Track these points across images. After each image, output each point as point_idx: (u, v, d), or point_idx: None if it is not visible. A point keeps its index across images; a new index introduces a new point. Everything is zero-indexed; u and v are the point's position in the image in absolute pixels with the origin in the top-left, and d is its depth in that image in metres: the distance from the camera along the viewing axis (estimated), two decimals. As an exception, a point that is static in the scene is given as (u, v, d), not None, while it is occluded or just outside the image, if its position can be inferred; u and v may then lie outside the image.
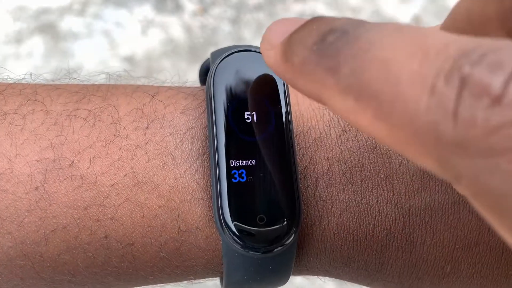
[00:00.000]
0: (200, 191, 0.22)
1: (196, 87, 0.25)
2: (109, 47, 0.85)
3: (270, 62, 0.17)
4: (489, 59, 0.12)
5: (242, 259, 0.22)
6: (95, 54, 0.85)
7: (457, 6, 0.18)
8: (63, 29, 0.86)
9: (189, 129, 0.23)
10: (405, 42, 0.13)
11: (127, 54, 0.87)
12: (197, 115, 0.23)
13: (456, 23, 0.18)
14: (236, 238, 0.21)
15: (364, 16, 0.91)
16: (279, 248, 0.21)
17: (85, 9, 0.86)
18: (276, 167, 0.22)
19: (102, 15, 0.87)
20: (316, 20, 0.16)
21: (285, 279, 0.23)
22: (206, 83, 0.23)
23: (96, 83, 0.25)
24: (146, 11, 0.92)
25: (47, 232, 0.21)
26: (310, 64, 0.15)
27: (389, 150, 0.23)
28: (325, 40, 0.15)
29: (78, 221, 0.21)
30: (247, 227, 0.21)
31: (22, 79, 0.24)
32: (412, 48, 0.13)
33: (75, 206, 0.21)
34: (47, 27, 0.85)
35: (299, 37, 0.16)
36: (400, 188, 0.22)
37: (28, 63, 0.82)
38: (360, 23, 0.14)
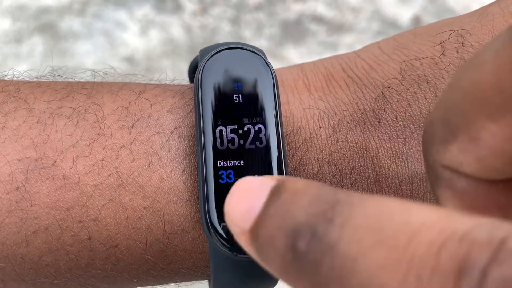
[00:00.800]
0: (187, 192, 0.21)
1: (184, 85, 0.24)
2: (109, 47, 0.85)
3: (241, 243, 0.15)
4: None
5: (230, 263, 0.21)
6: (95, 54, 0.84)
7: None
8: (62, 29, 0.85)
9: (176, 128, 0.22)
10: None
11: (126, 54, 0.87)
12: (185, 114, 0.22)
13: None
14: (223, 241, 0.20)
15: (364, 16, 0.91)
16: None
17: (85, 8, 0.86)
18: (265, 168, 0.21)
19: (102, 15, 0.86)
20: (275, 200, 0.13)
21: (274, 282, 0.23)
22: (194, 81, 0.22)
23: (82, 80, 0.24)
24: (146, 11, 0.91)
25: (28, 233, 0.21)
26: (289, 274, 0.13)
27: (378, 153, 0.22)
28: (296, 247, 0.12)
29: (60, 222, 0.21)
30: None
31: (5, 75, 0.24)
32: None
33: (57, 206, 0.21)
34: (47, 27, 0.85)
35: (267, 235, 0.13)
36: (389, 193, 0.22)
37: (27, 62, 0.82)
38: (327, 217, 0.12)
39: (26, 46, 0.84)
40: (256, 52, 0.22)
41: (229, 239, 0.20)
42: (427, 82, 0.22)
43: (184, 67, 0.84)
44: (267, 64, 0.22)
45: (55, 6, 0.86)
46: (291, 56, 0.87)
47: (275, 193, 0.14)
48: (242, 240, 0.14)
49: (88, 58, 0.84)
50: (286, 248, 0.13)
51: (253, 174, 0.21)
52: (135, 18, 0.88)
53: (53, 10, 0.86)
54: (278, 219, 0.13)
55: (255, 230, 0.14)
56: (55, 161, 0.21)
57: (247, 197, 0.14)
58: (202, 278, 0.23)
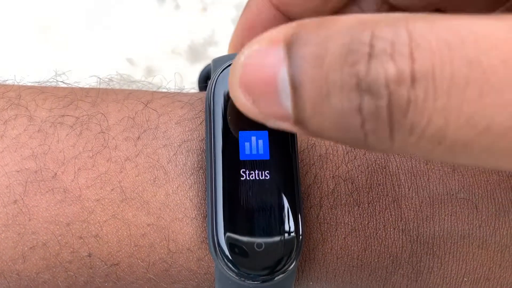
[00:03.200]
0: (193, 210, 0.20)
1: (193, 94, 0.23)
2: (109, 47, 0.84)
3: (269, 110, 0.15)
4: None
5: (237, 287, 0.20)
6: (94, 54, 0.83)
7: None
8: (62, 28, 0.84)
9: (184, 141, 0.21)
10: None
11: (126, 54, 0.85)
12: (194, 126, 0.21)
13: None
14: (230, 264, 0.19)
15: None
16: (280, 276, 0.19)
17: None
18: (278, 185, 0.20)
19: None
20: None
21: None
22: (206, 94, 0.21)
23: (86, 86, 0.23)
24: (146, 10, 0.90)
25: (26, 249, 0.20)
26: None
27: (398, 171, 0.21)
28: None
29: (59, 237, 0.20)
30: (243, 254, 0.19)
31: (6, 80, 0.22)
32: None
33: (56, 221, 0.20)
34: (46, 27, 0.84)
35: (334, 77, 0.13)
36: (409, 214, 0.21)
37: (26, 63, 0.80)
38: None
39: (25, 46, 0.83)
40: None
41: (237, 261, 0.19)
42: None
43: (184, 67, 0.83)
44: None
45: (55, 6, 0.85)
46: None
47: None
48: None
49: (87, 57, 0.83)
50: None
51: (265, 195, 0.20)
52: (135, 17, 0.87)
53: (52, 10, 0.85)
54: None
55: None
56: (56, 173, 0.20)
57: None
58: (206, 298, 0.22)
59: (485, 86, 0.12)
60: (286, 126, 0.15)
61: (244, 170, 0.20)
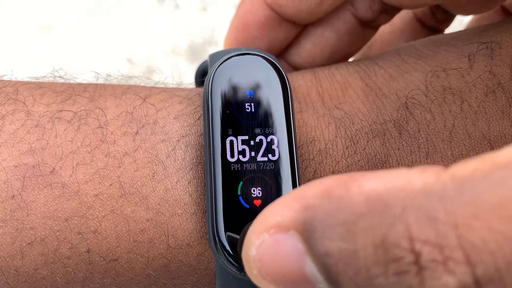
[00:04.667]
0: (193, 205, 0.20)
1: (191, 89, 0.23)
2: (108, 47, 0.84)
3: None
4: None
5: (238, 282, 0.20)
6: (94, 54, 0.83)
7: None
8: (62, 28, 0.84)
9: (183, 136, 0.21)
10: None
11: (126, 54, 0.85)
12: (192, 121, 0.21)
13: None
14: (230, 259, 0.19)
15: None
16: None
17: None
18: (278, 183, 0.20)
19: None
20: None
21: None
22: (204, 88, 0.21)
23: (84, 82, 0.23)
24: (146, 10, 0.90)
25: (24, 244, 0.19)
26: None
27: (399, 165, 0.21)
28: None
29: (57, 233, 0.19)
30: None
31: (3, 75, 0.22)
32: None
33: (55, 217, 0.19)
34: (46, 27, 0.84)
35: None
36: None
37: (25, 63, 0.80)
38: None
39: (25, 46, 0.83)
40: (269, 58, 0.21)
41: (237, 256, 0.19)
42: (453, 95, 0.21)
43: (184, 67, 0.83)
44: (281, 71, 0.21)
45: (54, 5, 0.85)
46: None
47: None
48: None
49: (87, 57, 0.83)
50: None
51: (265, 189, 0.20)
52: (135, 17, 0.87)
53: (51, 9, 0.85)
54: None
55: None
56: (54, 168, 0.20)
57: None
58: (205, 294, 0.22)
59: None
60: None
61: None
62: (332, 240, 0.12)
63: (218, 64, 0.21)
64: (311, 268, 0.13)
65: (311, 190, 0.13)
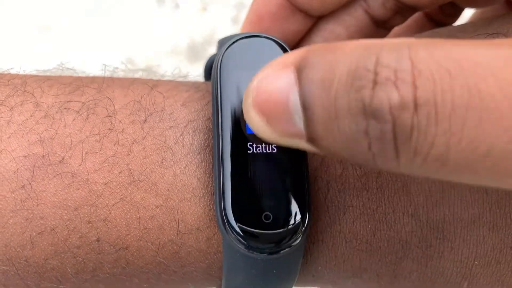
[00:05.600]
0: (201, 188, 0.20)
1: (197, 81, 0.23)
2: (108, 47, 0.84)
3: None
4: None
5: (244, 261, 0.20)
6: (94, 53, 0.83)
7: None
8: (62, 28, 0.84)
9: (190, 121, 0.21)
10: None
11: (126, 53, 0.85)
12: (200, 107, 0.21)
13: None
14: (240, 238, 0.19)
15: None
16: (286, 249, 0.19)
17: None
18: (284, 169, 0.20)
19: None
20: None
21: (291, 283, 0.22)
22: (212, 71, 0.21)
23: (91, 74, 0.23)
24: (146, 10, 0.90)
25: (34, 234, 0.20)
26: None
27: None
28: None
29: (67, 222, 0.20)
30: (251, 226, 0.19)
31: (11, 68, 0.22)
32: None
33: (64, 206, 0.20)
34: (46, 27, 0.84)
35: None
36: (418, 199, 0.21)
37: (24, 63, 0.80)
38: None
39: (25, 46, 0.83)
40: (278, 41, 0.21)
41: (246, 235, 0.19)
42: None
43: (184, 67, 0.83)
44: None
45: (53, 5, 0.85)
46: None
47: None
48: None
49: (87, 57, 0.83)
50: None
51: (273, 170, 0.20)
52: (134, 17, 0.87)
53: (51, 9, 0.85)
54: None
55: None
56: (63, 158, 0.20)
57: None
58: (215, 283, 0.22)
59: (484, 112, 0.13)
60: (300, 144, 0.16)
61: (251, 143, 0.20)
62: (318, 71, 0.15)
63: (227, 47, 0.21)
64: (294, 97, 0.15)
65: (319, 44, 0.16)
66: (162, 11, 0.91)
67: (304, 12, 0.25)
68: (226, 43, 0.21)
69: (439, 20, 0.29)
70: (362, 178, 0.21)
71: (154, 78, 0.24)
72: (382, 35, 0.27)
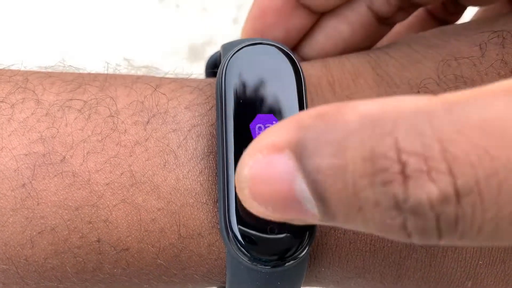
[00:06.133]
0: (204, 194, 0.20)
1: (202, 80, 0.23)
2: (108, 47, 0.84)
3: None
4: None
5: (248, 273, 0.20)
6: (94, 54, 0.83)
7: None
8: (61, 28, 0.84)
9: (194, 126, 0.21)
10: None
11: (126, 54, 0.85)
12: (204, 111, 0.21)
13: None
14: (243, 249, 0.19)
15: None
16: (291, 262, 0.19)
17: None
18: None
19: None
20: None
21: None
22: (217, 79, 0.21)
23: (93, 71, 0.23)
24: (146, 10, 0.90)
25: (34, 233, 0.19)
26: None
27: None
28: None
29: (68, 222, 0.19)
30: (256, 238, 0.19)
31: (12, 65, 0.22)
32: None
33: (65, 206, 0.19)
34: (45, 26, 0.84)
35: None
36: None
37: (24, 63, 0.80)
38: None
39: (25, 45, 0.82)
40: (283, 48, 0.21)
41: (249, 246, 0.19)
42: (465, 84, 0.21)
43: (184, 67, 0.83)
44: (295, 61, 0.21)
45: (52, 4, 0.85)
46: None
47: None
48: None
49: (87, 57, 0.83)
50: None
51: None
52: (135, 17, 0.87)
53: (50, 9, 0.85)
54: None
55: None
56: (64, 157, 0.20)
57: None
58: (215, 285, 0.22)
59: None
60: (315, 222, 0.14)
61: None
62: (322, 156, 0.13)
63: (231, 54, 0.21)
64: (301, 186, 0.13)
65: (307, 113, 0.14)
66: (163, 11, 0.91)
67: (308, 8, 0.25)
68: (230, 50, 0.21)
69: (441, 17, 0.29)
70: None
71: (157, 71, 0.24)
72: (384, 32, 0.26)
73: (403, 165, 0.12)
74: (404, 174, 0.12)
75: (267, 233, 0.19)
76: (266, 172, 0.14)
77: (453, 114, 0.12)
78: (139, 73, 0.24)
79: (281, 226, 0.19)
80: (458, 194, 0.12)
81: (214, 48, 0.82)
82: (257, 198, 0.14)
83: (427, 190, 0.12)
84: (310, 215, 0.14)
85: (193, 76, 0.24)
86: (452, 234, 0.12)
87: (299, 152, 0.13)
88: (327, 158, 0.13)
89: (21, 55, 0.23)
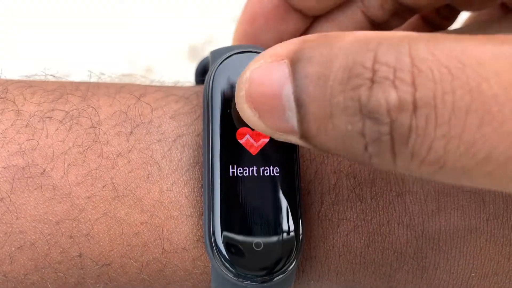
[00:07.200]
0: (189, 207, 0.19)
1: (188, 87, 0.22)
2: (108, 47, 0.83)
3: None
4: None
5: None
6: (94, 54, 0.82)
7: None
8: (61, 28, 0.83)
9: (180, 136, 0.20)
10: None
11: (126, 54, 0.85)
12: (189, 121, 0.20)
13: None
14: (227, 264, 0.18)
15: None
16: (278, 277, 0.18)
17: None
18: (275, 183, 0.19)
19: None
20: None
21: None
22: (204, 87, 0.20)
23: (76, 81, 0.22)
24: (146, 10, 0.90)
25: (13, 249, 0.19)
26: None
27: None
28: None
29: (48, 237, 0.19)
30: (241, 253, 0.18)
31: (-8, 74, 0.22)
32: None
33: (45, 220, 0.19)
34: (45, 27, 0.83)
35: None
36: (413, 209, 0.20)
37: (23, 63, 0.80)
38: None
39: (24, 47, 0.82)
40: None
41: (234, 261, 0.18)
42: None
43: (184, 67, 0.83)
44: None
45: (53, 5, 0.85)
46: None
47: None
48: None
49: (87, 59, 0.82)
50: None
51: (264, 193, 0.19)
52: (135, 17, 0.87)
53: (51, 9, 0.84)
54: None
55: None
56: (45, 170, 0.19)
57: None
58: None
59: (486, 115, 0.12)
60: (292, 139, 0.15)
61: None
62: (312, 64, 0.14)
63: (219, 63, 0.20)
64: (288, 92, 0.14)
65: (314, 34, 0.15)
66: (163, 11, 0.90)
67: (300, 12, 0.24)
68: (218, 58, 0.20)
69: (435, 23, 0.28)
70: (356, 188, 0.20)
71: (148, 78, 0.23)
72: None
73: (374, 72, 0.13)
74: (372, 80, 0.13)
75: (253, 248, 0.18)
76: (263, 76, 0.15)
77: (431, 42, 0.13)
78: (125, 80, 0.23)
79: (267, 241, 0.18)
80: (415, 104, 0.13)
81: (214, 48, 0.81)
82: (249, 100, 0.15)
83: (387, 95, 0.13)
84: (290, 127, 0.15)
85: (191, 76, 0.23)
86: (404, 151, 0.13)
87: (295, 60, 0.14)
88: (316, 67, 0.14)
89: (0, 64, 0.22)
